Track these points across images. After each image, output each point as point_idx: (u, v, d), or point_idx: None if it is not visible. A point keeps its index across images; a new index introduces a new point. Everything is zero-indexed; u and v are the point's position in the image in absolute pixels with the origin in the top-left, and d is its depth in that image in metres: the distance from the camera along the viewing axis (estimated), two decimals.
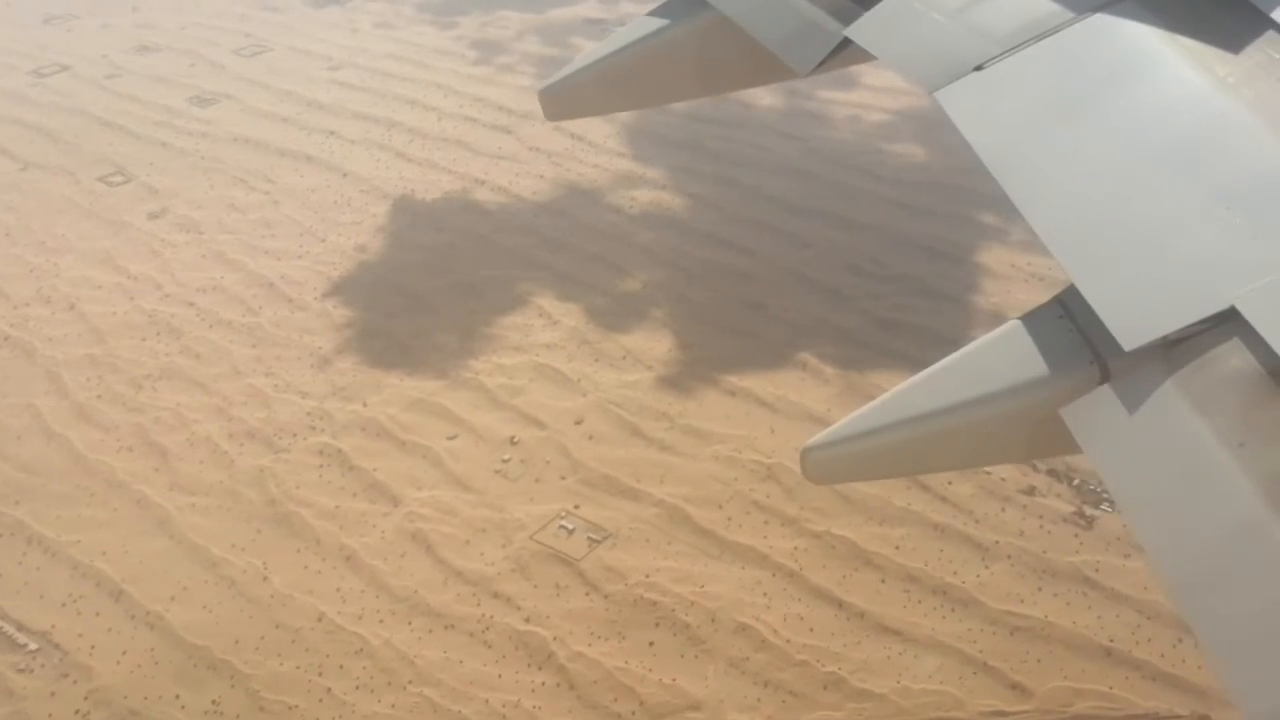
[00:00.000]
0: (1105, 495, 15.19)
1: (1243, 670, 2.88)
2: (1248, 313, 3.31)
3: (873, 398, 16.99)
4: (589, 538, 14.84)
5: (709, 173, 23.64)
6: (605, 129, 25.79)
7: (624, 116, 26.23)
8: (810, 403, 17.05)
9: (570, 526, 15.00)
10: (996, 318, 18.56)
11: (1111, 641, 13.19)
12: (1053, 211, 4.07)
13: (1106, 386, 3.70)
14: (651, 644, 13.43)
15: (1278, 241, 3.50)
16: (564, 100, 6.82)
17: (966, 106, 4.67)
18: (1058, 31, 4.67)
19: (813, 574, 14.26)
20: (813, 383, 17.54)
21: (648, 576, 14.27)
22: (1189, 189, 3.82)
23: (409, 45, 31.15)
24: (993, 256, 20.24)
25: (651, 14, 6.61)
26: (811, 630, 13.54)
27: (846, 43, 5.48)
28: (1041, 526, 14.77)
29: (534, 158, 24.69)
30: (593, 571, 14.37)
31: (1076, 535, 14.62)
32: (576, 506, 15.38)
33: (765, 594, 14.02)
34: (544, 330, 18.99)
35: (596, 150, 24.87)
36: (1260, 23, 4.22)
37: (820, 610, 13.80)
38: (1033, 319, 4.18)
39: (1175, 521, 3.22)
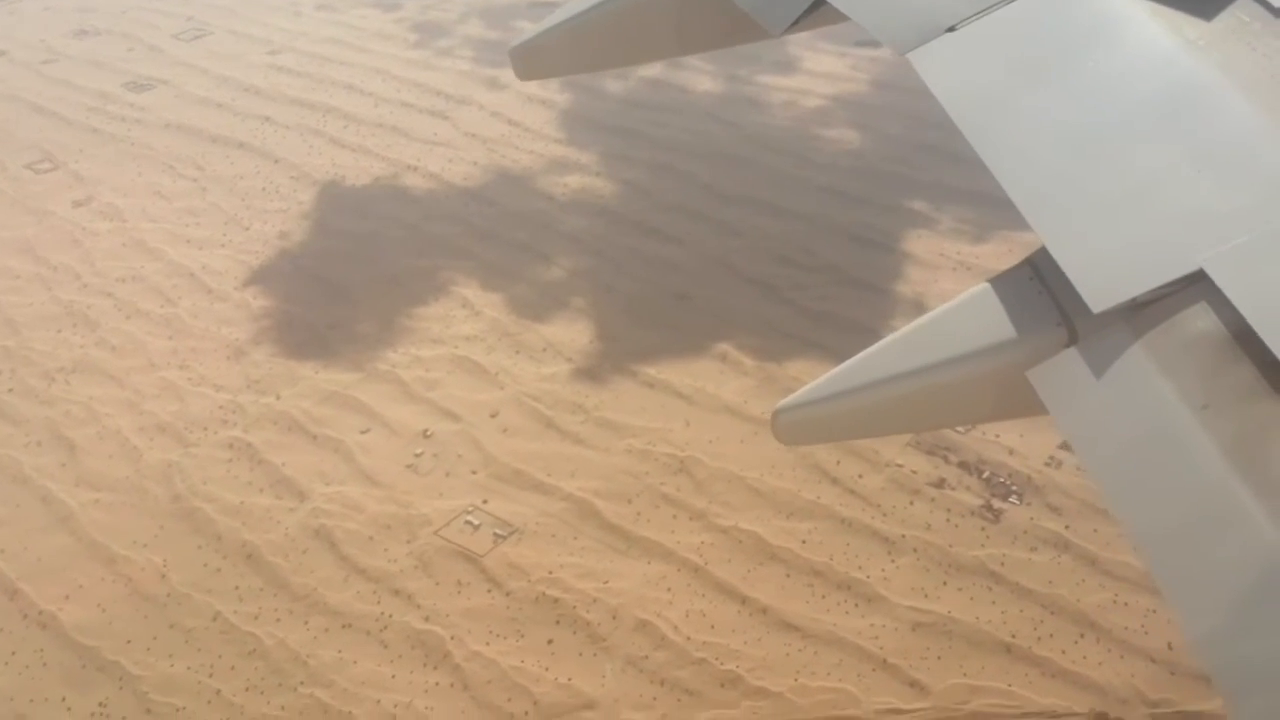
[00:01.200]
0: (1014, 489, 15.11)
1: (1205, 625, 2.91)
2: (1215, 275, 3.27)
3: (790, 390, 16.84)
4: (495, 533, 14.65)
5: (644, 159, 23.38)
6: (543, 114, 25.52)
7: (561, 102, 25.98)
8: (728, 395, 16.88)
9: (476, 522, 14.81)
10: (919, 308, 18.43)
11: (1013, 638, 13.10)
12: (1023, 173, 4.04)
13: (1073, 349, 3.66)
14: (550, 642, 13.27)
15: (1246, 204, 3.48)
16: (535, 59, 6.64)
17: (938, 68, 4.62)
18: None
19: (718, 569, 14.11)
20: (732, 374, 17.36)
21: (551, 573, 14.10)
22: (1159, 151, 3.81)
23: (350, 29, 30.72)
24: (922, 245, 20.09)
25: None
26: (713, 627, 13.40)
27: (819, 3, 5.43)
28: (949, 520, 14.67)
29: (469, 144, 24.38)
30: (496, 568, 14.19)
31: (984, 529, 14.52)
32: (485, 501, 15.18)
33: (669, 590, 13.88)
34: (465, 322, 18.75)
35: (533, 136, 24.58)
36: None
37: (723, 606, 13.66)
38: (1002, 281, 4.11)
39: (1140, 483, 3.23)
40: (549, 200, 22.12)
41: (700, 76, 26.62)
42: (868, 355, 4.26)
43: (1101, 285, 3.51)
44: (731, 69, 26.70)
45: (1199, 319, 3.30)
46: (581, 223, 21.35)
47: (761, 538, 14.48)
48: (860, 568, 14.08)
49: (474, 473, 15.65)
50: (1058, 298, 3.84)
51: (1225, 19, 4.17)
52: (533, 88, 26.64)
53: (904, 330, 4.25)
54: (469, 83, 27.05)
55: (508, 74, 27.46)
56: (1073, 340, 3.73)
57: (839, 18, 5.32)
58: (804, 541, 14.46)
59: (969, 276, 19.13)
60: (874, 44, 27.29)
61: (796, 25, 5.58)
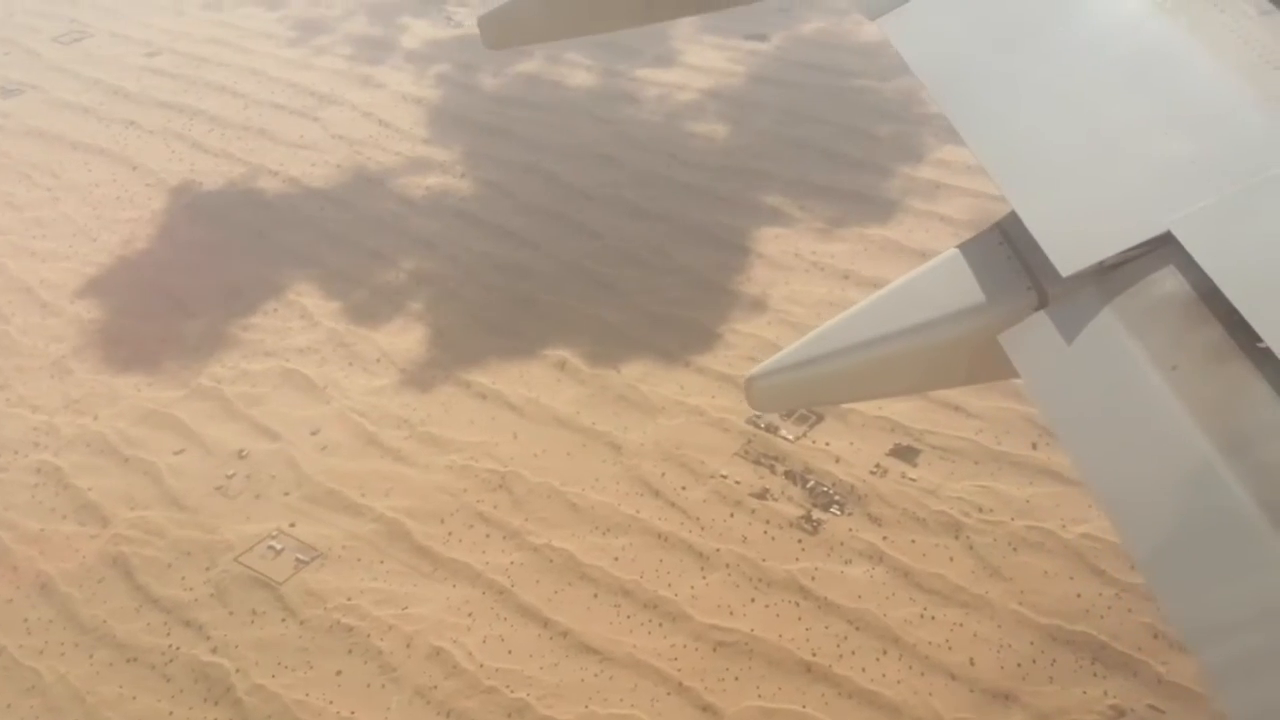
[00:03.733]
0: (837, 498, 14.73)
1: (1172, 583, 2.94)
2: (1182, 237, 3.31)
3: (625, 398, 16.24)
4: (297, 558, 14.13)
5: (511, 159, 22.84)
6: (415, 114, 24.92)
7: (435, 100, 25.40)
8: (560, 405, 16.41)
9: (279, 547, 14.28)
10: (763, 309, 18.04)
11: (814, 656, 12.71)
12: (992, 137, 4.10)
13: (1043, 312, 3.68)
14: (339, 673, 12.78)
15: (1211, 166, 3.51)
16: (504, 27, 6.42)
17: (908, 32, 4.62)
18: None
19: (524, 591, 13.65)
20: (568, 383, 16.89)
21: (350, 599, 13.60)
22: (1126, 114, 3.86)
23: (232, 28, 29.97)
24: (778, 246, 19.66)
25: None
26: (510, 652, 12.95)
27: None
28: (766, 532, 14.26)
29: (335, 146, 23.75)
30: (293, 595, 13.67)
31: (800, 541, 14.12)
32: (292, 525, 14.66)
33: (470, 614, 13.41)
34: (301, 333, 18.18)
35: (401, 137, 23.98)
36: None
37: (524, 630, 13.21)
38: (972, 246, 4.12)
39: (1110, 445, 3.26)
40: (406, 203, 21.56)
41: (578, 71, 26.09)
42: (840, 321, 4.26)
43: (1070, 248, 3.54)
44: (610, 63, 26.19)
45: (1167, 281, 3.31)
46: (436, 226, 20.80)
47: (573, 556, 14.03)
48: (670, 585, 13.65)
49: (286, 494, 15.12)
50: (1027, 261, 3.84)
51: None
52: (408, 87, 26.07)
53: (875, 296, 4.24)
54: (344, 82, 26.40)
55: (383, 72, 26.91)
56: (1043, 303, 3.71)
57: None
58: (616, 559, 14.02)
59: (819, 277, 18.76)
60: (758, 37, 26.95)
61: None
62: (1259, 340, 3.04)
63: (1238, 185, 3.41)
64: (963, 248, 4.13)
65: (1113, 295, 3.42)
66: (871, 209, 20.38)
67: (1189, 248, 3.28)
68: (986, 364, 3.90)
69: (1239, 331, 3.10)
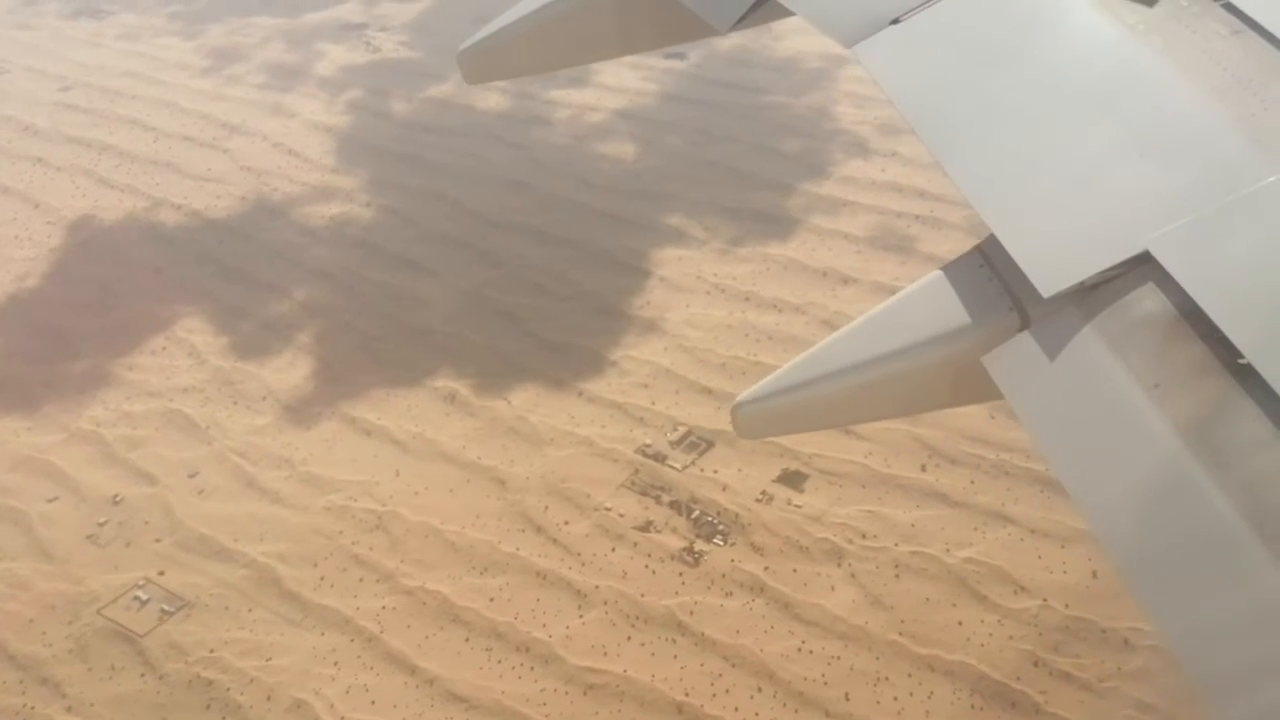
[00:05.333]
0: (720, 528, 14.38)
1: (1162, 598, 2.98)
2: (1161, 256, 3.36)
3: (515, 430, 15.79)
4: (163, 609, 13.70)
5: (418, 187, 22.49)
6: (325, 142, 24.54)
7: (345, 128, 25.04)
8: (446, 439, 16.03)
9: (145, 597, 13.84)
10: (661, 334, 17.71)
11: (687, 696, 12.34)
12: (970, 161, 4.14)
13: (1026, 333, 3.72)
14: None
15: (1188, 185, 3.57)
16: (483, 62, 6.46)
17: (884, 60, 4.70)
18: None
19: (394, 637, 13.25)
20: (457, 416, 16.52)
21: (213, 651, 13.17)
22: (1102, 136, 3.92)
23: (149, 59, 29.52)
24: (681, 268, 19.34)
25: None
26: (374, 703, 12.55)
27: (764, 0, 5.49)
28: (648, 566, 13.90)
29: (241, 178, 23.34)
30: (155, 649, 13.23)
31: (681, 575, 13.76)
32: (161, 573, 14.22)
33: (336, 663, 12.99)
34: (188, 372, 17.74)
35: (309, 166, 23.59)
36: None
37: (390, 679, 12.81)
38: (953, 269, 4.14)
39: (1095, 462, 3.31)
40: (307, 234, 21.18)
41: (490, 94, 25.78)
42: (825, 346, 4.31)
43: (1050, 269, 3.57)
44: (524, 85, 25.87)
45: (1147, 299, 3.36)
46: (335, 257, 20.43)
47: (447, 598, 13.64)
48: (545, 626, 13.27)
49: (158, 541, 14.69)
50: (1008, 283, 3.88)
51: (1164, 3, 4.25)
52: (319, 115, 25.71)
53: (859, 320, 4.29)
54: (256, 112, 26.01)
55: (295, 100, 26.52)
56: (1025, 325, 3.76)
57: (784, 13, 5.43)
58: (492, 600, 13.63)
59: (720, 299, 18.46)
60: (677, 55, 26.66)
61: (743, 21, 5.65)
62: (1240, 356, 3.09)
63: (1214, 204, 3.47)
64: (944, 270, 4.16)
65: (1094, 315, 3.47)
66: (775, 228, 20.12)
67: (1168, 266, 3.34)
68: (972, 386, 3.95)
69: (1220, 348, 3.15)
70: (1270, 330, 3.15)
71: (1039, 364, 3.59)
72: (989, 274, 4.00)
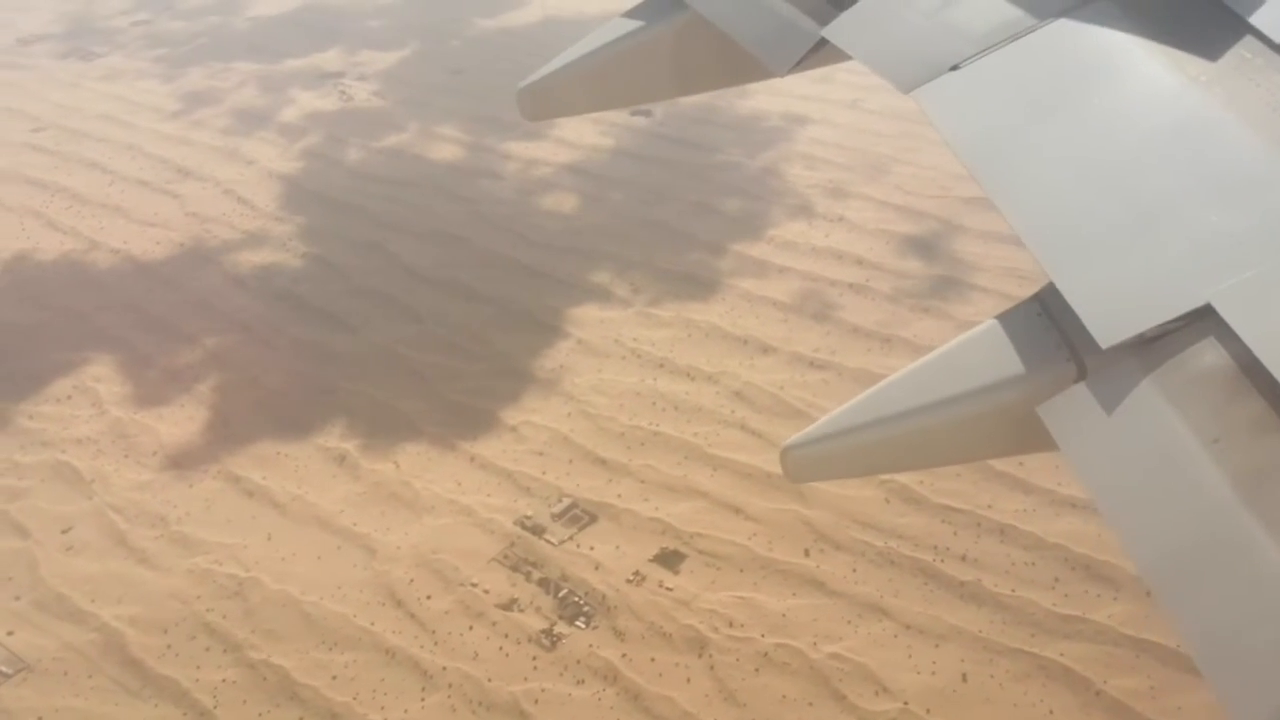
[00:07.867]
0: (585, 609, 13.75)
1: (1219, 662, 2.89)
2: (1223, 310, 3.32)
3: (397, 495, 15.31)
4: (2, 671, 13.27)
5: (356, 237, 22.26)
6: (275, 190, 24.45)
7: (297, 176, 24.94)
8: (327, 503, 15.58)
9: None
10: (568, 400, 17.18)
11: None
12: (1029, 209, 4.10)
13: (1083, 384, 3.69)
14: None
15: (1253, 238, 3.52)
16: (540, 100, 6.89)
17: (943, 106, 4.70)
18: (1033, 31, 4.77)
19: (227, 713, 12.75)
20: (343, 479, 16.07)
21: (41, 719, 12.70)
22: (1165, 186, 3.86)
23: (124, 102, 29.74)
24: (600, 331, 18.86)
25: (627, 14, 6.70)
26: None
27: (824, 42, 5.43)
28: (502, 648, 13.29)
29: (185, 223, 23.26)
30: None
31: (535, 659, 13.14)
32: (11, 633, 13.85)
33: None
34: (86, 422, 17.47)
35: (255, 215, 23.46)
36: (1237, 27, 4.27)
37: None
38: (1010, 317, 4.14)
39: (1151, 517, 3.25)
40: (236, 283, 20.98)
41: (445, 145, 25.61)
42: (877, 391, 4.25)
43: (1110, 321, 3.55)
44: (480, 136, 25.69)
45: (1208, 353, 3.34)
46: (258, 308, 20.17)
47: (289, 674, 13.11)
48: (383, 708, 12.70)
49: (16, 599, 14.32)
50: (1066, 333, 3.88)
51: (1228, 57, 4.22)
52: (274, 161, 25.63)
53: (913, 366, 4.26)
54: (214, 157, 26.02)
55: (253, 145, 26.49)
56: (1082, 375, 3.75)
57: (843, 57, 5.44)
58: (335, 677, 13.08)
59: (634, 365, 17.93)
60: (644, 112, 26.35)
61: (801, 64, 5.64)
62: None
63: (1278, 257, 3.42)
64: (1001, 318, 4.12)
65: (1153, 367, 3.45)
66: (702, 290, 19.59)
67: (1229, 320, 3.29)
68: (1025, 436, 3.89)
69: None
70: None
71: (1095, 415, 3.57)
72: (1047, 323, 3.98)
